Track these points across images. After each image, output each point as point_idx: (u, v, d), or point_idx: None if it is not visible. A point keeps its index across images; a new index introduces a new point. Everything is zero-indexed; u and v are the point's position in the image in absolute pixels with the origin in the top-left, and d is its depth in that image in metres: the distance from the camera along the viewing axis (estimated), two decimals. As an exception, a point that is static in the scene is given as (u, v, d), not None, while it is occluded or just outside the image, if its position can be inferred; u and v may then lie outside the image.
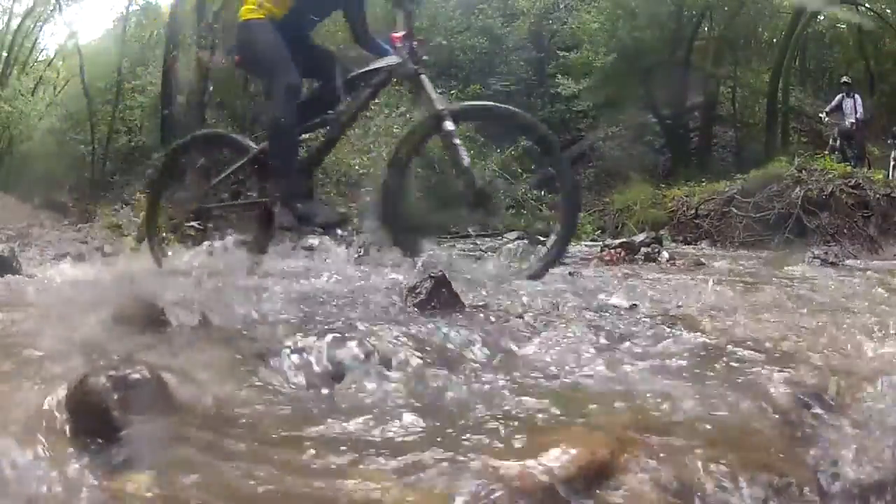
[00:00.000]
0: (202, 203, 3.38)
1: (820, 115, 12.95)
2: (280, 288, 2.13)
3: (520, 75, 18.58)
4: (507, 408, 1.13)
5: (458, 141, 2.80)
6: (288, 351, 1.32)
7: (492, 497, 0.83)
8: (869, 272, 3.38)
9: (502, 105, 3.30)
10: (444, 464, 0.90)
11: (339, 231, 3.19)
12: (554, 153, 2.89)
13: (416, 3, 3.25)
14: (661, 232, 6.72)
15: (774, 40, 17.90)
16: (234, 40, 3.44)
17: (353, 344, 1.35)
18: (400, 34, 3.06)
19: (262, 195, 3.25)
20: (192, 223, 3.35)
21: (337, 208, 3.32)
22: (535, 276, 2.64)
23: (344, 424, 1.05)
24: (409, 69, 3.00)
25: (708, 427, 1.04)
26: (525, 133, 3.46)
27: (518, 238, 8.55)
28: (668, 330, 1.70)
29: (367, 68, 3.14)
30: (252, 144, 3.30)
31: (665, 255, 5.47)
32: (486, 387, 1.25)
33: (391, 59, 3.08)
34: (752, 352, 1.45)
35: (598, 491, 0.87)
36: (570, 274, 3.20)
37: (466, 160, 2.79)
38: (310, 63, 3.18)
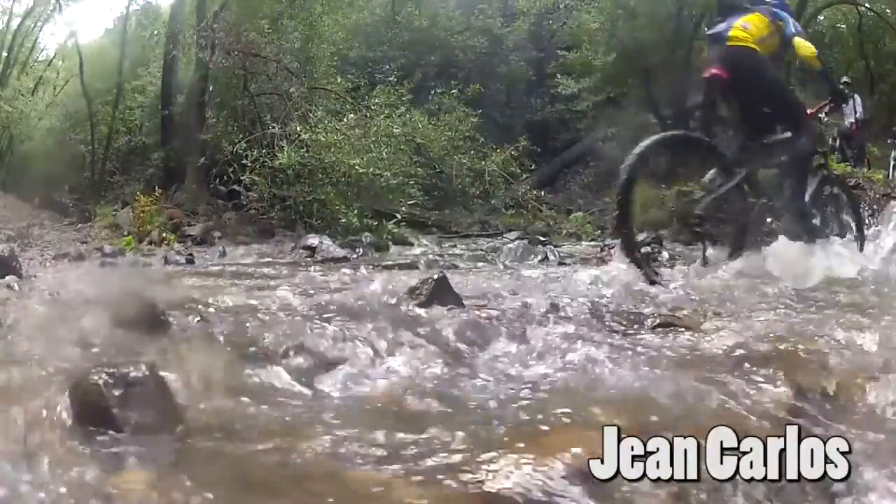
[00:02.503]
0: (707, 211, 3.33)
1: (820, 115, 12.94)
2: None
3: (520, 75, 18.54)
4: (507, 407, 1.13)
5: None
6: (290, 350, 1.32)
7: (493, 496, 0.83)
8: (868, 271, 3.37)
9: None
10: (445, 463, 0.90)
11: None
12: (856, 207, 4.17)
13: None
14: (662, 232, 6.70)
15: (774, 40, 17.87)
16: (732, 60, 3.49)
17: (354, 343, 1.35)
18: (810, 112, 3.71)
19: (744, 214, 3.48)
20: (696, 228, 3.36)
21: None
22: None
23: (343, 423, 1.05)
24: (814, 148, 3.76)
25: (709, 426, 1.04)
26: (851, 203, 4.22)
27: (518, 238, 8.56)
28: (669, 329, 1.70)
29: (778, 137, 3.63)
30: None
31: (665, 255, 5.46)
32: (487, 387, 1.25)
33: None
34: (752, 351, 1.45)
35: (599, 490, 0.87)
36: (569, 274, 3.20)
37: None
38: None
